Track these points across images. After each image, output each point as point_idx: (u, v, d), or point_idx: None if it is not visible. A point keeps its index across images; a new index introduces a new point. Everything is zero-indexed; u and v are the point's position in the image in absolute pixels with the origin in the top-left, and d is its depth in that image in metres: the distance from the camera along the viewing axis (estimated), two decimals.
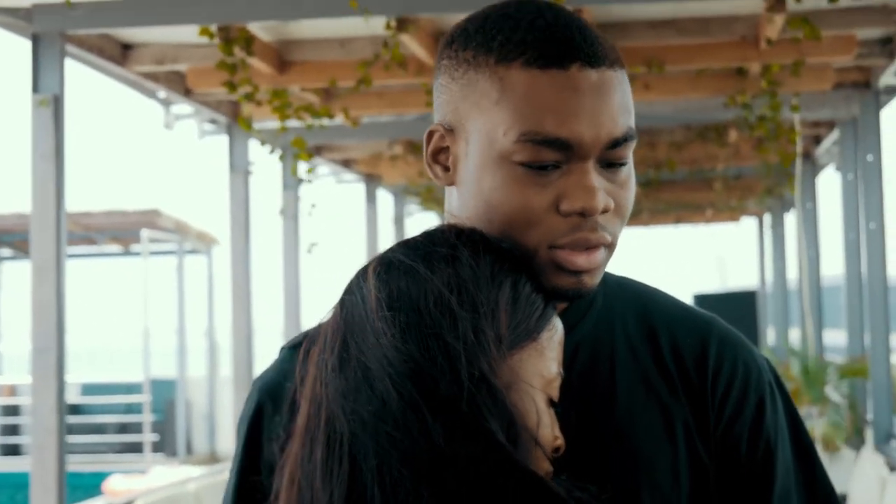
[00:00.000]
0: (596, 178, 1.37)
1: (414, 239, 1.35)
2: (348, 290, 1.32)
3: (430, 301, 1.24)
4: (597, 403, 1.45)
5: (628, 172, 1.42)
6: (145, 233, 15.08)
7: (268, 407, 1.49)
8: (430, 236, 1.34)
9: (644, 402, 1.46)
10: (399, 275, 1.27)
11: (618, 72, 1.40)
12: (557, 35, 1.38)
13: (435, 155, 1.48)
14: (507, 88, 1.38)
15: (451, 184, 1.47)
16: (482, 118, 1.40)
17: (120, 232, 16.07)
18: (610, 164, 1.39)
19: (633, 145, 1.41)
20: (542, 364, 1.28)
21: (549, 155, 1.36)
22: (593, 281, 1.41)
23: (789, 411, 1.54)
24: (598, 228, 1.38)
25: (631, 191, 1.43)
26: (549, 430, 1.27)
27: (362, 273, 1.32)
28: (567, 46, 1.37)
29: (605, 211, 1.38)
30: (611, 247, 1.42)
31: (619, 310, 1.53)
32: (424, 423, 1.19)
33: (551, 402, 1.29)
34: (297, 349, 1.44)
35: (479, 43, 1.41)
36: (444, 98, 1.46)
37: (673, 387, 1.48)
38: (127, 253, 17.88)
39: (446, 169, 1.47)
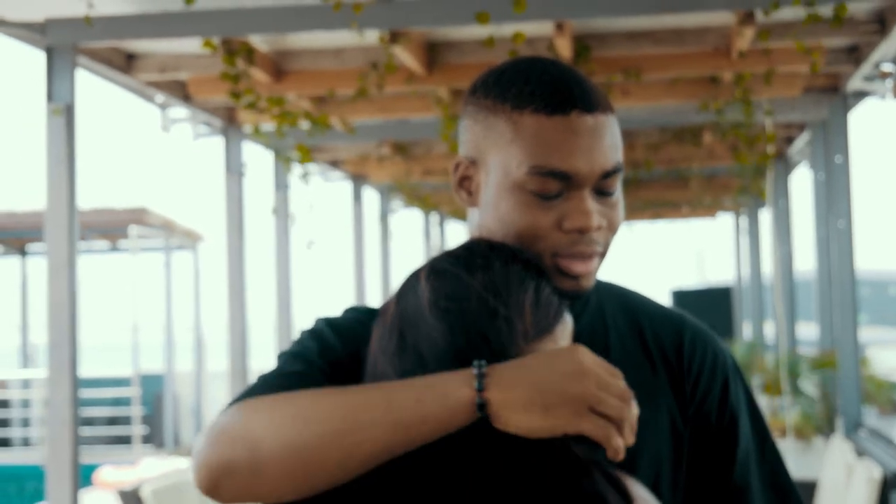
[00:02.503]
0: (591, 203, 1.69)
1: (456, 250, 1.64)
2: (403, 290, 1.62)
3: (473, 302, 1.54)
4: None
5: (618, 197, 1.74)
6: (133, 229, 15.30)
7: (328, 334, 1.77)
8: (468, 249, 1.64)
9: (633, 381, 1.74)
10: (445, 280, 1.58)
11: (609, 116, 1.71)
12: (560, 87, 1.69)
13: (460, 182, 1.79)
14: (520, 130, 1.68)
15: (474, 205, 1.78)
16: (500, 154, 1.70)
17: (108, 229, 16.19)
18: (602, 191, 1.71)
19: (621, 176, 1.73)
20: None
21: (553, 185, 1.67)
22: (588, 283, 1.73)
23: (745, 389, 1.89)
24: (593, 242, 1.71)
25: (620, 212, 1.75)
26: None
27: (415, 277, 1.62)
28: (568, 96, 1.68)
29: (598, 229, 1.70)
30: (603, 255, 1.75)
31: (609, 308, 1.86)
32: None
33: None
34: (363, 313, 1.80)
35: (498, 93, 1.72)
36: (468, 136, 1.77)
37: (655, 369, 1.83)
38: (115, 249, 18.08)
39: (469, 193, 1.78)
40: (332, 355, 1.72)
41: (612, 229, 1.74)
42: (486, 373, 1.50)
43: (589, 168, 1.68)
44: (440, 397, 1.50)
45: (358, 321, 1.78)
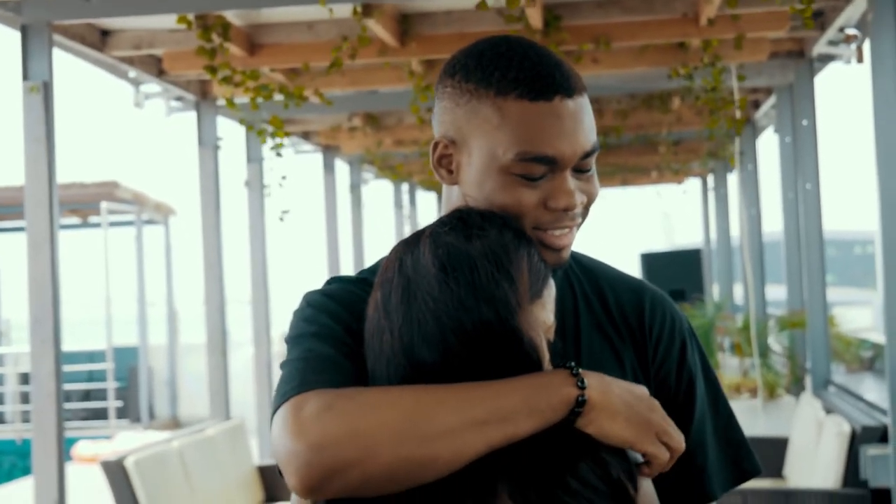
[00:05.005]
0: (572, 182, 1.79)
1: (449, 220, 1.74)
2: (401, 256, 1.72)
3: (478, 269, 1.65)
4: (567, 343, 1.89)
5: (593, 172, 1.85)
6: (104, 204, 15.28)
7: (329, 304, 1.84)
8: (461, 219, 1.73)
9: (600, 343, 1.91)
10: (447, 249, 1.68)
11: (585, 97, 1.81)
12: (543, 73, 1.77)
13: (440, 160, 1.87)
14: (505, 116, 1.75)
15: (454, 184, 1.86)
16: (484, 138, 1.78)
17: (79, 204, 16.14)
18: (580, 169, 1.81)
19: (596, 155, 1.83)
20: (544, 314, 1.70)
21: (538, 168, 1.76)
22: (567, 255, 1.84)
23: (700, 351, 2.01)
24: (575, 217, 1.82)
25: (595, 184, 1.85)
26: (548, 361, 1.71)
27: (413, 244, 1.72)
28: (550, 82, 1.76)
29: (579, 205, 1.81)
30: (580, 227, 1.87)
31: (575, 276, 1.97)
32: (483, 352, 1.64)
33: (547, 342, 1.72)
34: (348, 283, 1.88)
35: (480, 78, 1.79)
36: (448, 118, 1.84)
37: (620, 333, 1.94)
38: (86, 224, 18.02)
39: (450, 172, 1.86)
40: (342, 323, 1.79)
41: (590, 202, 1.86)
42: (581, 374, 1.66)
43: (572, 151, 1.77)
44: (545, 394, 1.63)
45: (345, 290, 1.87)
